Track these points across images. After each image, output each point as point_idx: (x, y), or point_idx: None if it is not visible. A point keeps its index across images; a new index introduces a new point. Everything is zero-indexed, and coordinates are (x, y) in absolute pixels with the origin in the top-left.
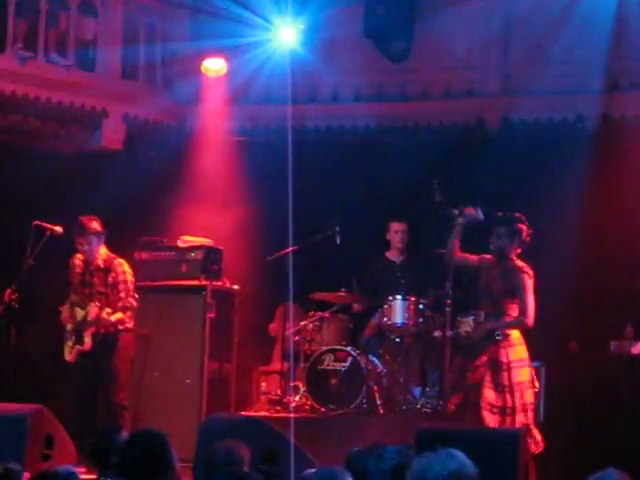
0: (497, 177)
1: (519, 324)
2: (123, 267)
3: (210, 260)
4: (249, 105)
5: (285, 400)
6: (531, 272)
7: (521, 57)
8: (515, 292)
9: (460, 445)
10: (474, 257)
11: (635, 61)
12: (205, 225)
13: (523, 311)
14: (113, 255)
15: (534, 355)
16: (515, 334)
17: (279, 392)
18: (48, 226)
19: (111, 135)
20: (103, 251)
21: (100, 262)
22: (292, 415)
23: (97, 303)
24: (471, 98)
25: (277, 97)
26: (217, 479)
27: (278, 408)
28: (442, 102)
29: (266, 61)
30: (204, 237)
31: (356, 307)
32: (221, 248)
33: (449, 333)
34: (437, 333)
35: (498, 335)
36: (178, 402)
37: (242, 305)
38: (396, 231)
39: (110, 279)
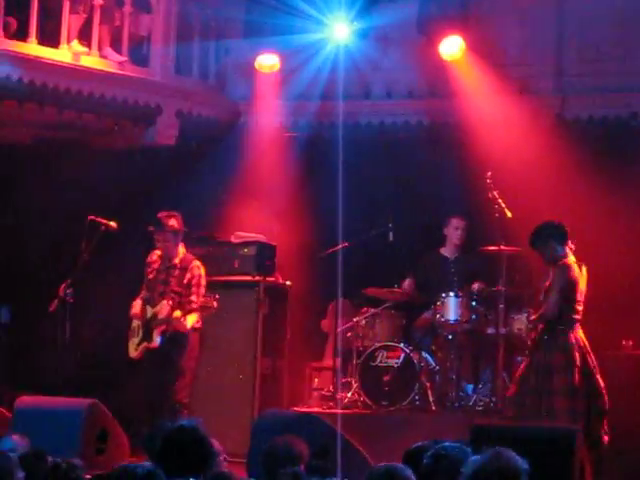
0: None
1: (541, 316)
2: (200, 270)
3: (263, 256)
4: (301, 101)
5: (337, 396)
6: (568, 267)
7: (575, 54)
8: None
9: (515, 442)
10: None
11: None
12: (259, 221)
13: (545, 303)
14: (191, 256)
15: None
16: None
17: (331, 388)
18: (103, 221)
19: (164, 131)
20: (181, 250)
21: (177, 261)
22: (340, 411)
23: (170, 302)
24: (526, 94)
25: (330, 93)
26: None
27: (330, 404)
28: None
29: (319, 57)
30: (257, 233)
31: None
32: (274, 244)
33: (502, 331)
34: (490, 330)
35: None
36: (231, 398)
37: (295, 301)
38: (456, 227)
39: (185, 280)
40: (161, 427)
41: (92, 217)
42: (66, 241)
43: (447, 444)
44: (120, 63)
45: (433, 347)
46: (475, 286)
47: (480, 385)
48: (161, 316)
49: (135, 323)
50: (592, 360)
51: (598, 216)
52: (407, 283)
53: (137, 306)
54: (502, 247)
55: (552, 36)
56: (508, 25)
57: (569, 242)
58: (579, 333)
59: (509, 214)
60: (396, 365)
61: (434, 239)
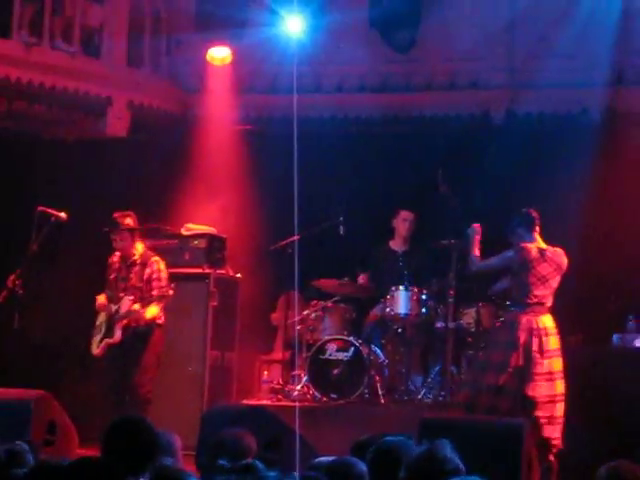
0: (501, 169)
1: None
2: (159, 265)
3: (213, 248)
4: (254, 94)
5: (287, 389)
6: (528, 250)
7: (527, 49)
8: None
9: (463, 435)
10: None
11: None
12: (209, 213)
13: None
14: (150, 252)
15: None
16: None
17: (281, 381)
18: (52, 212)
19: (115, 122)
20: (140, 247)
21: (137, 257)
22: (297, 404)
23: (131, 297)
24: (476, 90)
25: (282, 86)
26: (223, 467)
27: (280, 397)
28: (447, 93)
29: (272, 50)
30: (208, 225)
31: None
32: (224, 236)
33: (451, 324)
34: (439, 324)
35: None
36: (180, 390)
37: (245, 294)
38: (404, 219)
39: (145, 275)
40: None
41: (41, 208)
42: (16, 232)
43: (389, 438)
44: (71, 54)
45: (383, 341)
46: (434, 283)
47: (429, 379)
48: (122, 311)
49: (99, 320)
50: (543, 344)
51: (548, 211)
52: (362, 278)
53: (101, 299)
54: (452, 241)
55: (503, 31)
56: (459, 20)
57: (537, 228)
58: (538, 317)
59: (457, 207)
60: (345, 358)
61: (385, 232)
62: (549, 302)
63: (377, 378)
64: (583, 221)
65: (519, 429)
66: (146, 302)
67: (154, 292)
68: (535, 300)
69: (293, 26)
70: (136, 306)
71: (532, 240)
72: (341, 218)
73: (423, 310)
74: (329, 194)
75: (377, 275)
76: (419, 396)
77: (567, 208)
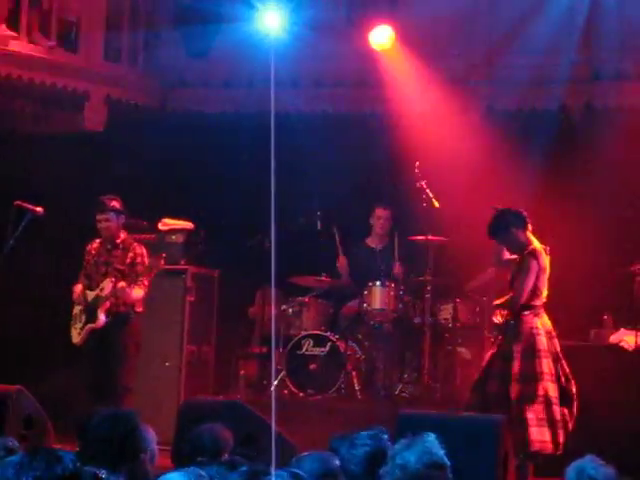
0: (473, 165)
1: (510, 302)
2: (142, 249)
3: (190, 243)
4: (231, 88)
5: (264, 384)
6: (539, 253)
7: (506, 46)
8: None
9: (440, 431)
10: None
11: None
12: (186, 208)
13: (514, 289)
14: (132, 240)
15: None
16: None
17: (258, 376)
18: (29, 207)
19: (93, 117)
20: (123, 234)
21: (119, 241)
22: (274, 399)
23: (112, 279)
24: (454, 86)
25: (260, 81)
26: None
27: (257, 392)
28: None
29: (249, 45)
30: (185, 220)
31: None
32: (202, 231)
33: (428, 320)
34: (417, 319)
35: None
36: (157, 384)
37: (222, 288)
38: (379, 217)
39: (128, 259)
40: (96, 414)
41: (18, 202)
42: None
43: (363, 433)
44: (49, 48)
45: (360, 336)
46: (395, 270)
47: (406, 374)
48: (105, 292)
49: (77, 309)
50: (557, 345)
51: (524, 207)
52: (341, 260)
53: (78, 289)
54: (429, 237)
55: (483, 27)
56: (439, 15)
57: (529, 227)
58: (544, 318)
59: (436, 204)
60: (322, 354)
61: (363, 228)
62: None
63: (354, 373)
64: (557, 215)
65: (496, 425)
66: (132, 281)
67: (140, 277)
68: (543, 302)
69: (270, 21)
70: (122, 283)
71: (528, 239)
72: (318, 213)
73: (400, 305)
74: (307, 189)
75: (355, 271)
76: (396, 391)
77: (543, 204)
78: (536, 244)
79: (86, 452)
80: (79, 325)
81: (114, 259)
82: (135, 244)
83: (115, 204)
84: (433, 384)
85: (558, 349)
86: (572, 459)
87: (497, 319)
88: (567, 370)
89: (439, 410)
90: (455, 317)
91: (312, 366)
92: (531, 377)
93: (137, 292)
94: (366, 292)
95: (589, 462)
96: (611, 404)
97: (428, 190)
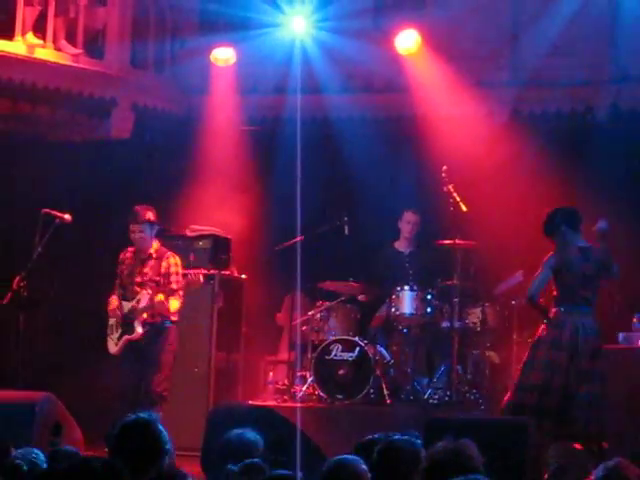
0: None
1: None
2: (175, 259)
3: (218, 249)
4: (258, 95)
5: (292, 390)
6: (558, 253)
7: (531, 48)
8: None
9: (468, 435)
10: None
11: None
12: (214, 214)
13: None
14: (165, 249)
15: None
16: None
17: (286, 382)
18: (57, 214)
19: (120, 124)
20: (156, 243)
21: (152, 251)
22: (300, 405)
23: (149, 290)
24: (480, 89)
25: (286, 87)
26: (231, 468)
27: (285, 397)
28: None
29: (276, 51)
30: (212, 226)
31: (361, 297)
32: (229, 237)
33: (457, 324)
34: (445, 324)
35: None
36: (186, 391)
37: (250, 295)
38: (408, 221)
39: (163, 269)
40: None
41: (46, 210)
42: (21, 234)
43: (397, 437)
44: (75, 56)
45: (388, 341)
46: (439, 283)
47: (435, 379)
48: (142, 305)
49: (112, 320)
50: (585, 343)
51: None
52: (362, 297)
53: (114, 301)
54: (457, 241)
55: (507, 30)
56: (463, 18)
57: (581, 227)
58: (580, 317)
59: (464, 208)
60: (351, 359)
61: (391, 233)
62: (594, 301)
63: (383, 378)
64: (585, 218)
65: (524, 428)
66: (169, 293)
67: (173, 285)
68: (578, 300)
69: (297, 26)
70: (160, 296)
71: (575, 239)
72: (346, 218)
73: (428, 310)
74: (334, 194)
75: (383, 276)
76: (425, 396)
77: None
78: (572, 243)
79: (117, 459)
80: (116, 335)
81: (149, 270)
82: (169, 253)
83: (150, 215)
84: (462, 388)
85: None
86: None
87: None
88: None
89: (468, 414)
90: (484, 321)
91: (341, 371)
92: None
93: (174, 304)
94: (394, 297)
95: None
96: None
97: (455, 194)
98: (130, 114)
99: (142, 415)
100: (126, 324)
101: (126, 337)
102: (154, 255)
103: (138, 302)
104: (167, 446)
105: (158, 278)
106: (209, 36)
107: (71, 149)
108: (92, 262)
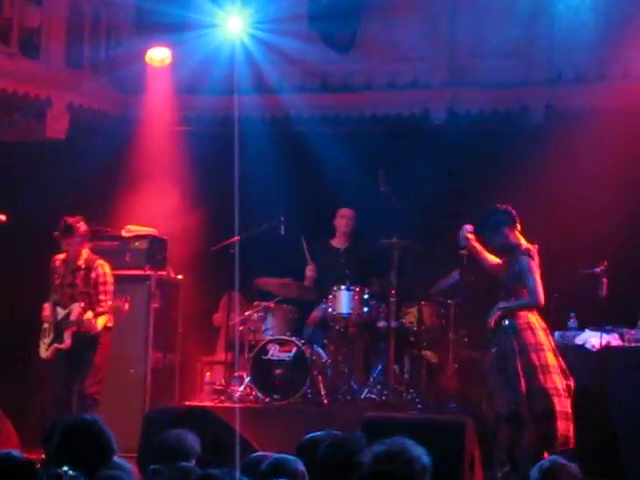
0: (441, 168)
1: (527, 304)
2: (104, 268)
3: (154, 250)
4: (194, 95)
5: (229, 390)
6: (533, 252)
7: (467, 49)
8: (521, 277)
9: (406, 433)
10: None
11: (578, 53)
12: (149, 215)
13: (530, 292)
14: (95, 256)
15: None
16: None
17: (223, 382)
18: None
19: (55, 124)
20: (85, 252)
21: (81, 262)
22: (237, 405)
23: (81, 304)
24: (417, 89)
25: (223, 87)
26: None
27: (222, 398)
28: (387, 93)
29: (212, 51)
30: (148, 227)
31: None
32: (165, 238)
33: (393, 324)
34: (381, 323)
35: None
36: (122, 392)
37: (186, 295)
38: (342, 216)
39: (92, 280)
40: (60, 422)
41: None
42: None
43: (343, 434)
44: (10, 55)
45: (325, 340)
46: (375, 282)
47: (371, 378)
48: (72, 318)
49: (45, 325)
50: (553, 341)
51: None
52: (309, 268)
53: (47, 309)
54: (394, 240)
55: (445, 30)
56: (401, 19)
57: (518, 226)
58: (537, 315)
59: (400, 207)
60: (288, 359)
61: (325, 232)
62: None
63: (320, 378)
64: (524, 219)
65: (461, 427)
66: (98, 312)
67: (101, 297)
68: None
69: (233, 26)
70: (89, 314)
71: (517, 238)
72: (282, 218)
73: (365, 309)
74: (270, 194)
75: (318, 273)
76: (362, 396)
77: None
78: (526, 243)
79: (54, 458)
80: (47, 341)
81: (79, 281)
82: (98, 262)
83: (80, 227)
84: (399, 388)
85: (554, 345)
86: None
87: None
88: (564, 366)
89: (405, 414)
90: (420, 320)
91: (278, 371)
92: (538, 370)
93: (102, 320)
94: (331, 296)
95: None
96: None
97: (391, 193)
98: (65, 114)
99: (85, 416)
100: (57, 332)
101: (55, 345)
102: (83, 265)
103: (69, 313)
104: (114, 445)
105: (87, 289)
106: (145, 36)
107: (6, 149)
108: (27, 263)
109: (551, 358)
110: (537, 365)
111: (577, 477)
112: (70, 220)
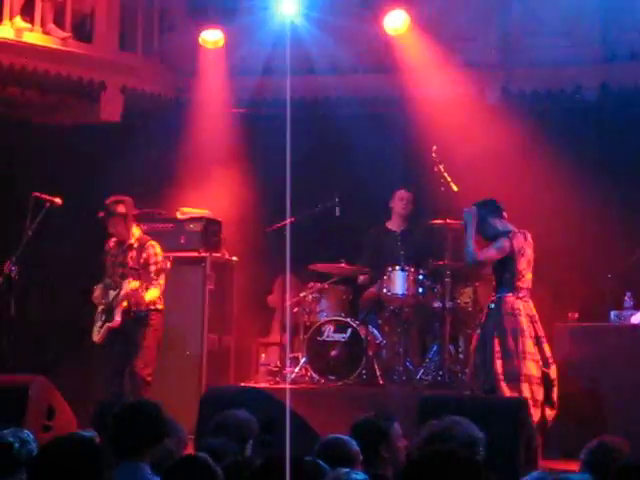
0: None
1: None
2: (155, 249)
3: (209, 232)
4: (247, 76)
5: (285, 371)
6: (513, 234)
7: (520, 28)
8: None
9: (462, 413)
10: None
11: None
12: (204, 197)
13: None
14: (147, 236)
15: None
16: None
17: (278, 363)
18: (47, 197)
19: (109, 107)
20: (137, 231)
21: (133, 241)
22: (293, 386)
23: (130, 280)
24: (470, 69)
25: (276, 68)
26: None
27: (277, 379)
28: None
29: (264, 33)
30: (203, 209)
31: (361, 279)
32: (220, 219)
33: (448, 304)
34: (436, 304)
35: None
36: (178, 374)
37: (241, 277)
38: (401, 199)
39: (142, 259)
40: (110, 404)
41: (36, 194)
42: (10, 218)
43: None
44: (63, 39)
45: (380, 321)
46: (430, 263)
47: (427, 358)
48: (122, 293)
49: (99, 308)
50: (540, 329)
51: (542, 189)
52: (362, 279)
53: (97, 290)
54: (448, 221)
55: (497, 9)
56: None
57: (504, 214)
58: (528, 303)
59: (455, 188)
60: (343, 340)
61: (380, 214)
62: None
63: (375, 359)
64: (577, 198)
65: (518, 406)
66: (146, 281)
67: (153, 275)
68: (525, 285)
69: (287, 7)
70: (135, 283)
71: (505, 225)
72: (337, 199)
73: (420, 290)
74: (325, 176)
75: (375, 255)
76: (417, 376)
77: (559, 185)
78: (513, 229)
79: (109, 438)
80: (99, 324)
81: (130, 260)
82: (149, 243)
83: (122, 209)
84: (454, 368)
85: (541, 333)
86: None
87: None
88: (548, 354)
89: (461, 393)
90: (475, 301)
91: (333, 352)
92: (513, 355)
93: (151, 293)
94: (385, 277)
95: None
96: (630, 387)
97: (446, 174)
98: (119, 97)
99: (143, 399)
100: (109, 312)
101: (107, 325)
102: (135, 245)
103: (119, 292)
104: (168, 429)
105: (138, 267)
106: (198, 18)
107: (61, 132)
108: (83, 245)
109: (529, 345)
110: (513, 350)
111: (624, 452)
112: (109, 201)
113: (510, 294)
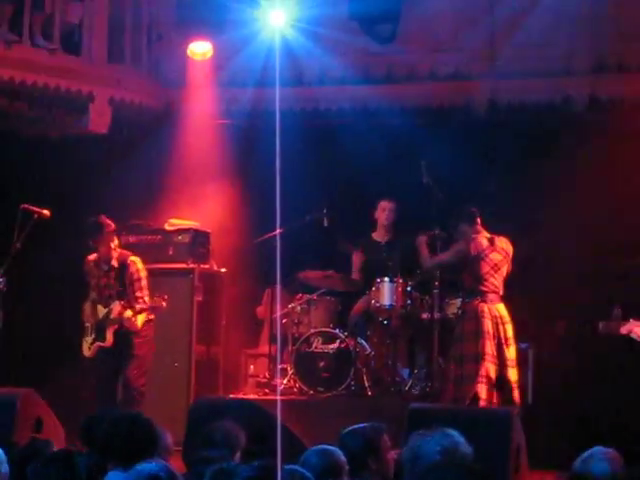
0: (482, 160)
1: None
2: (137, 265)
3: (197, 243)
4: (235, 88)
5: (273, 383)
6: (473, 239)
7: (507, 39)
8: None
9: (451, 424)
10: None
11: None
12: (193, 208)
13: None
14: (126, 252)
15: (522, 335)
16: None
17: (267, 375)
18: (35, 209)
19: (97, 119)
20: (115, 249)
21: (114, 262)
22: (281, 397)
23: (121, 302)
24: (457, 80)
25: (264, 80)
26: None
27: (266, 391)
28: (429, 84)
29: (253, 44)
30: (191, 220)
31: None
32: (208, 231)
33: (437, 315)
34: (425, 315)
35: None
36: (166, 385)
37: (229, 288)
38: (384, 209)
39: (126, 279)
40: (99, 417)
41: (25, 206)
42: None
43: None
44: (51, 51)
45: (368, 332)
46: (418, 274)
47: (416, 370)
48: (113, 315)
49: (87, 324)
50: (507, 331)
51: (530, 200)
52: (356, 255)
53: (87, 309)
54: (436, 232)
55: (485, 21)
56: (441, 10)
57: (478, 221)
58: (495, 305)
59: (442, 198)
60: (331, 351)
61: (368, 224)
62: (501, 290)
63: (363, 370)
64: (566, 210)
65: (507, 417)
66: (137, 310)
67: (138, 294)
68: (491, 288)
69: (275, 19)
70: (128, 313)
71: (476, 232)
72: (325, 210)
73: (408, 301)
74: (313, 186)
75: (362, 266)
76: (406, 387)
77: (549, 198)
78: (480, 235)
79: (97, 451)
80: (89, 339)
81: (113, 282)
82: (130, 260)
83: (110, 224)
84: (443, 379)
85: (508, 335)
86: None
87: None
88: (509, 357)
89: (450, 405)
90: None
91: (321, 364)
92: (474, 357)
93: (142, 318)
94: (374, 288)
95: (597, 454)
96: (618, 396)
97: (434, 185)
98: (107, 109)
99: (134, 411)
100: (99, 330)
101: (98, 344)
102: (116, 265)
103: (110, 312)
104: (159, 441)
105: (122, 288)
106: (186, 30)
107: (49, 144)
108: (70, 258)
109: (489, 346)
110: (471, 353)
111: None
112: (100, 219)
113: (475, 299)
